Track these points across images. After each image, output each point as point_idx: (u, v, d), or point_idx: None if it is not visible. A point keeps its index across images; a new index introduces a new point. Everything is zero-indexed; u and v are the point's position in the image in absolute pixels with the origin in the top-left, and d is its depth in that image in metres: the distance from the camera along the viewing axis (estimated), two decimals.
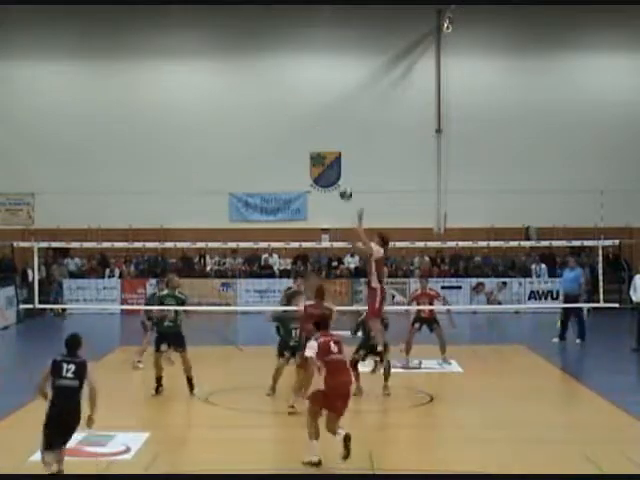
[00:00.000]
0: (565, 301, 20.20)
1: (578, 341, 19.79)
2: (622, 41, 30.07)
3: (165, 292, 14.37)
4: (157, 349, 13.77)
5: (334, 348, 9.85)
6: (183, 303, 14.15)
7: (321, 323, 10.28)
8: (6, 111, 29.91)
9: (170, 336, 13.84)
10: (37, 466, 9.72)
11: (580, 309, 19.87)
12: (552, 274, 27.96)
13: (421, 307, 16.44)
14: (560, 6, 28.23)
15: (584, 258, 28.33)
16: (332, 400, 9.66)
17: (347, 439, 9.40)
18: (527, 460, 9.96)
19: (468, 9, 28.15)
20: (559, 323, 20.14)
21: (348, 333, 13.68)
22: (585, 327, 20.02)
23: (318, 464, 9.56)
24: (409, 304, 17.95)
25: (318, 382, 9.72)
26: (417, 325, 16.35)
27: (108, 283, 28.07)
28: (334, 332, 10.34)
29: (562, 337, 19.93)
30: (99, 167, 29.51)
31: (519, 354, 18.40)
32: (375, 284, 12.48)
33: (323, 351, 9.79)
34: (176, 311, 13.94)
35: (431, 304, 16.44)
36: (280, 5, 28.53)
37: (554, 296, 27.08)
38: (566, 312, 19.96)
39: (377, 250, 12.79)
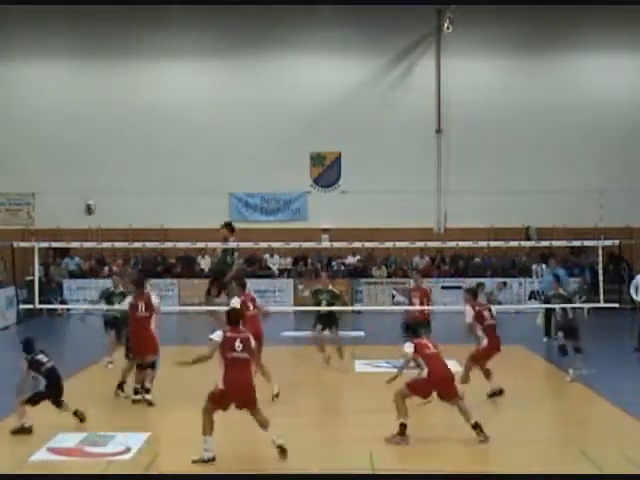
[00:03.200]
0: (546, 301, 20.00)
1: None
2: (622, 41, 30.07)
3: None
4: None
5: (238, 346, 9.85)
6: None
7: (231, 317, 10.24)
8: (6, 111, 29.93)
9: None
10: (37, 466, 9.75)
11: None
12: None
13: (411, 307, 16.30)
14: (560, 6, 28.25)
15: (584, 258, 28.42)
16: (229, 399, 9.74)
17: (281, 449, 9.64)
18: (527, 460, 9.95)
19: (468, 9, 28.16)
20: (540, 322, 20.08)
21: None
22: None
23: (211, 460, 9.58)
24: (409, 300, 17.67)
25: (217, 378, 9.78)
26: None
27: (108, 283, 27.96)
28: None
29: (548, 335, 19.90)
30: (99, 167, 29.53)
31: (518, 354, 18.38)
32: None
33: (227, 346, 9.82)
34: None
35: (422, 302, 16.25)
36: (280, 5, 28.54)
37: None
38: (547, 312, 19.89)
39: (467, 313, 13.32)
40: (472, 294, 13.58)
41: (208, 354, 9.96)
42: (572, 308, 15.43)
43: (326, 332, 16.23)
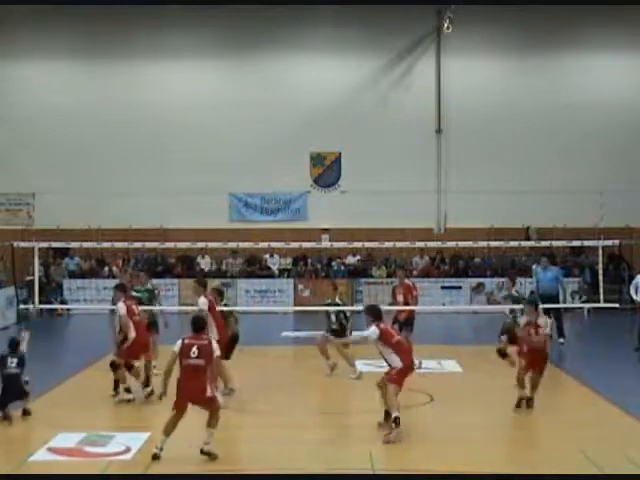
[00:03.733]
0: (543, 301, 19.94)
1: (561, 340, 19.71)
2: (622, 41, 30.05)
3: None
4: None
5: (194, 352, 9.97)
6: None
7: (195, 324, 10.36)
8: (6, 111, 29.91)
9: None
10: (37, 466, 9.75)
11: (558, 309, 19.79)
12: None
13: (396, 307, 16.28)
14: (560, 6, 28.24)
15: (584, 258, 28.42)
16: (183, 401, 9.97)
17: (208, 454, 9.76)
18: (527, 460, 9.96)
19: (468, 9, 28.15)
20: None
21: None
22: (563, 326, 19.91)
23: (156, 458, 9.73)
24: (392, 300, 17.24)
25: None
26: (396, 326, 15.69)
27: (108, 283, 27.99)
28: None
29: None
30: (99, 167, 29.52)
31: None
32: (396, 364, 11.26)
33: (184, 353, 10.01)
34: None
35: (406, 298, 16.11)
36: (281, 5, 28.53)
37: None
38: (546, 312, 19.85)
39: (371, 332, 11.60)
40: (374, 314, 11.50)
41: (169, 365, 10.21)
42: (513, 311, 15.09)
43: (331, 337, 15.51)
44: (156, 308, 16.00)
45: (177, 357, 10.06)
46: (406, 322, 15.96)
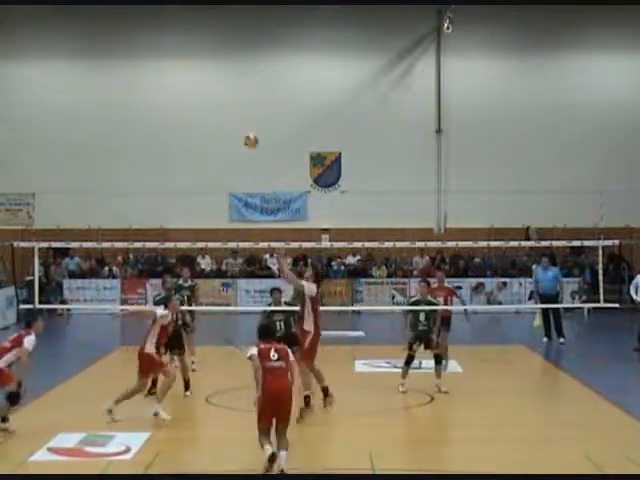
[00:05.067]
0: (542, 301, 19.96)
1: (561, 340, 19.72)
2: (622, 41, 30.07)
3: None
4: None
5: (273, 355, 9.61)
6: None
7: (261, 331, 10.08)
8: (6, 111, 29.91)
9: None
10: (37, 466, 9.74)
11: (558, 309, 19.80)
12: None
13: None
14: (560, 6, 28.23)
15: (584, 258, 28.42)
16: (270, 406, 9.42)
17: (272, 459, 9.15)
18: (527, 460, 9.95)
19: (468, 9, 28.15)
20: (537, 323, 20.05)
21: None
22: (563, 326, 19.92)
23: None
24: None
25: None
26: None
27: (108, 283, 28.06)
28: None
29: (549, 336, 19.90)
30: (99, 167, 29.52)
31: (519, 354, 18.40)
32: (309, 327, 11.94)
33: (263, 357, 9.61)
34: None
35: (446, 301, 16.09)
36: (280, 5, 28.53)
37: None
38: (545, 312, 19.88)
39: (309, 288, 12.19)
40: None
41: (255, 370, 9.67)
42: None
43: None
44: (195, 307, 15.96)
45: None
46: (444, 322, 15.88)
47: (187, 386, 13.71)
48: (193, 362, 15.36)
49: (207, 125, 29.70)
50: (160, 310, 12.43)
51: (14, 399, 10.99)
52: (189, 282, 16.17)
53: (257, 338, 9.93)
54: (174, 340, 13.59)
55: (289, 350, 9.80)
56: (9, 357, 11.07)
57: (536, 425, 11.87)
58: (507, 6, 28.48)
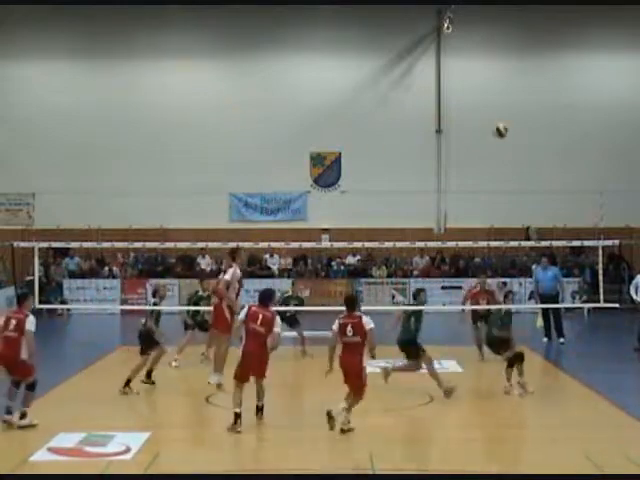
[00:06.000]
0: (542, 301, 19.94)
1: (561, 340, 19.70)
2: (622, 41, 30.07)
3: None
4: None
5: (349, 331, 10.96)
6: None
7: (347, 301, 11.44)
8: (6, 111, 29.90)
9: None
10: (37, 466, 9.74)
11: (558, 309, 19.79)
12: None
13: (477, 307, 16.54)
14: (560, 6, 28.23)
15: (584, 258, 28.42)
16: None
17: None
18: (527, 460, 9.96)
19: (468, 9, 28.15)
20: (540, 323, 20.05)
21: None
22: (563, 326, 19.91)
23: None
24: (463, 303, 17.73)
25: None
26: (479, 323, 16.44)
27: (108, 283, 28.06)
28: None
29: (549, 336, 19.90)
30: (99, 167, 29.51)
31: None
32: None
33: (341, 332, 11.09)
34: None
35: (489, 302, 16.30)
36: (280, 5, 28.54)
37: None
38: (545, 312, 19.88)
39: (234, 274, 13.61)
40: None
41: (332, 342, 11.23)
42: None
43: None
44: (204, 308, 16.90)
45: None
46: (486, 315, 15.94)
47: (149, 375, 14.16)
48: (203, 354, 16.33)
49: (207, 125, 29.70)
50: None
51: (34, 388, 11.36)
52: (207, 293, 17.21)
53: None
54: (147, 341, 14.19)
55: (277, 319, 11.29)
56: (25, 348, 11.27)
57: (536, 425, 11.88)
58: (507, 6, 28.49)
